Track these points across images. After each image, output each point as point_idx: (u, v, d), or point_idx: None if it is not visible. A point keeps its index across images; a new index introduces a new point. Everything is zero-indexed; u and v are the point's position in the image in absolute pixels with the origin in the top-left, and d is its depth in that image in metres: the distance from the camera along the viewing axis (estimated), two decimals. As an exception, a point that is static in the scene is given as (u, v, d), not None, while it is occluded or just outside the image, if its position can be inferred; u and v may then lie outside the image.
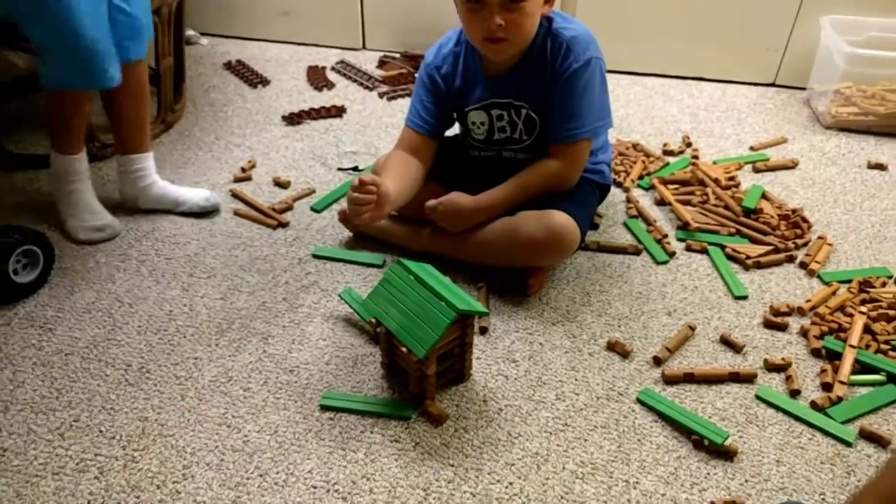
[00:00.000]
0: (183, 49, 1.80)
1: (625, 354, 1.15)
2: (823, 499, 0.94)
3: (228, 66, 2.12)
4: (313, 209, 1.49)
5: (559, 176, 1.26)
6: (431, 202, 1.26)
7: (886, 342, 1.16)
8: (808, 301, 1.24)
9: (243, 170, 1.61)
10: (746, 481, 0.96)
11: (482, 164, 1.35)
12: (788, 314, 1.23)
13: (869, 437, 1.02)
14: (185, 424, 1.02)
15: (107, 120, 1.50)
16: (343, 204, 1.48)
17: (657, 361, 1.13)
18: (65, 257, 1.33)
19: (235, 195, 1.53)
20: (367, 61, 2.17)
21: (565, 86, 1.20)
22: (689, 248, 1.39)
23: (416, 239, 1.34)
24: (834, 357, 1.14)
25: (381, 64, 2.16)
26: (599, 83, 1.24)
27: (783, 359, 1.13)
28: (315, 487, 0.94)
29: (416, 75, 1.35)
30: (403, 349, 1.01)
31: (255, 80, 2.03)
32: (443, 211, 1.25)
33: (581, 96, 1.21)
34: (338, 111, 1.87)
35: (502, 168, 1.29)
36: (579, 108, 1.21)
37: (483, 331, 1.19)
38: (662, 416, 1.04)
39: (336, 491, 0.94)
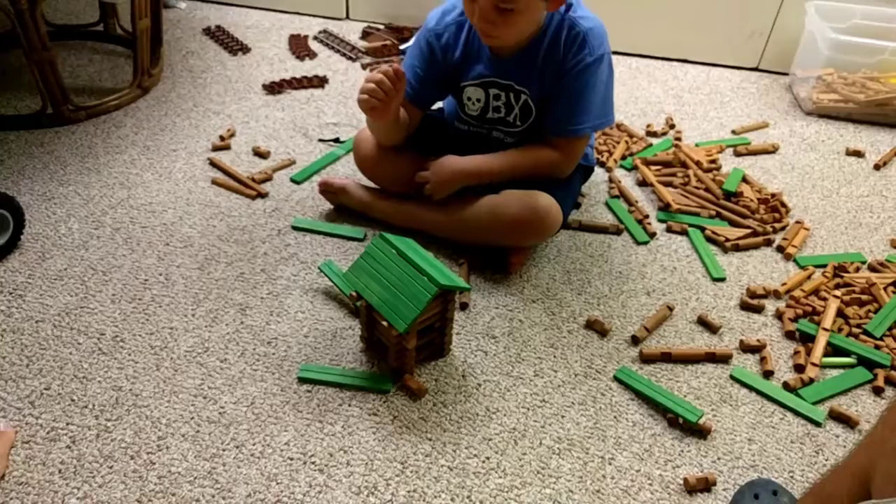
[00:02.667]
0: (160, 11, 1.75)
1: (603, 333, 1.15)
2: (792, 476, 0.96)
3: (208, 31, 2.07)
4: (293, 180, 1.47)
5: (554, 166, 1.26)
6: (424, 173, 1.26)
7: (858, 326, 1.18)
8: (783, 284, 1.26)
9: (222, 138, 1.57)
10: (719, 459, 0.98)
11: (468, 141, 1.33)
12: (765, 297, 1.25)
13: (838, 417, 1.04)
14: (160, 395, 1.01)
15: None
16: (324, 175, 1.46)
17: (635, 340, 1.14)
18: (36, 223, 1.30)
19: (214, 164, 1.50)
20: (351, 31, 2.13)
21: (575, 79, 1.17)
22: (669, 230, 1.40)
23: (398, 214, 1.33)
24: (807, 339, 1.16)
25: (365, 35, 2.12)
26: (608, 79, 1.22)
27: (758, 340, 1.15)
28: (292, 459, 0.94)
29: (415, 36, 1.30)
30: (384, 323, 1.00)
31: (235, 46, 1.98)
32: (432, 169, 1.25)
33: (590, 92, 1.19)
34: (320, 81, 1.84)
35: (488, 148, 1.28)
36: (586, 104, 1.19)
37: (463, 306, 1.18)
38: (639, 394, 1.05)
39: (313, 463, 0.93)
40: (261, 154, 1.54)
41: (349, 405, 1.01)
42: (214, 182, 1.45)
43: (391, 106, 1.13)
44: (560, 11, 1.17)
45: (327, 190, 1.37)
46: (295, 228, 1.34)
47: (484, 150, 1.27)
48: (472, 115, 1.30)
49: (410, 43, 2.05)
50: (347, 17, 2.22)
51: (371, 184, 1.39)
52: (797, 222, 1.42)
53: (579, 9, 1.19)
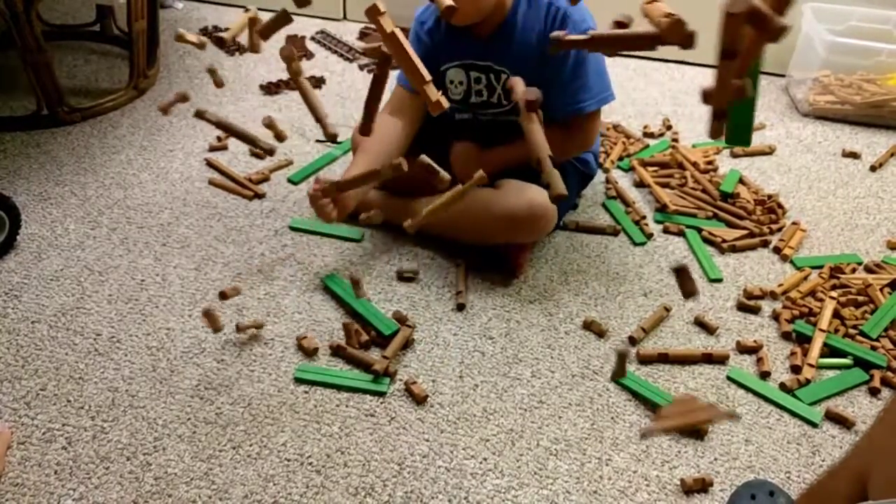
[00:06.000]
0: (157, 12, 1.74)
1: (600, 334, 1.15)
2: (789, 477, 0.96)
3: (205, 32, 2.06)
4: (290, 181, 1.47)
5: (575, 146, 1.27)
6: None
7: (854, 327, 1.18)
8: (780, 285, 1.26)
9: (219, 139, 1.57)
10: (716, 459, 0.98)
11: (467, 132, 1.34)
12: (761, 298, 1.25)
13: (834, 418, 1.04)
14: (156, 396, 1.01)
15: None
16: (320, 176, 1.45)
17: (632, 341, 1.14)
18: (32, 223, 1.29)
19: (211, 164, 1.49)
20: (348, 32, 2.13)
21: (564, 60, 1.18)
22: (666, 231, 1.40)
23: (394, 212, 1.33)
24: (804, 340, 1.16)
25: (362, 36, 2.12)
26: (598, 55, 1.22)
27: (755, 341, 1.15)
28: (289, 461, 0.94)
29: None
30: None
31: (232, 47, 1.98)
32: (457, 152, 1.27)
33: (584, 69, 1.19)
34: (317, 82, 1.84)
35: (482, 133, 1.29)
36: (584, 82, 1.20)
37: (460, 307, 1.18)
38: (636, 395, 1.05)
39: (310, 464, 0.93)
40: (258, 154, 1.54)
41: (346, 406, 1.01)
42: (211, 182, 1.44)
43: (346, 204, 1.17)
44: None
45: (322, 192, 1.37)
46: (292, 229, 1.34)
47: (479, 136, 1.29)
48: (455, 98, 1.29)
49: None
50: (345, 17, 2.22)
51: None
52: (794, 223, 1.43)
53: None
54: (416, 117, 1.28)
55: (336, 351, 1.08)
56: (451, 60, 1.26)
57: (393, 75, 1.29)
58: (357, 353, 1.07)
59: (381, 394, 1.03)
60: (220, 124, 1.04)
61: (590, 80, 1.21)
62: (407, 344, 1.10)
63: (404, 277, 1.24)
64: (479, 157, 1.26)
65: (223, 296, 1.10)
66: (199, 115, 1.01)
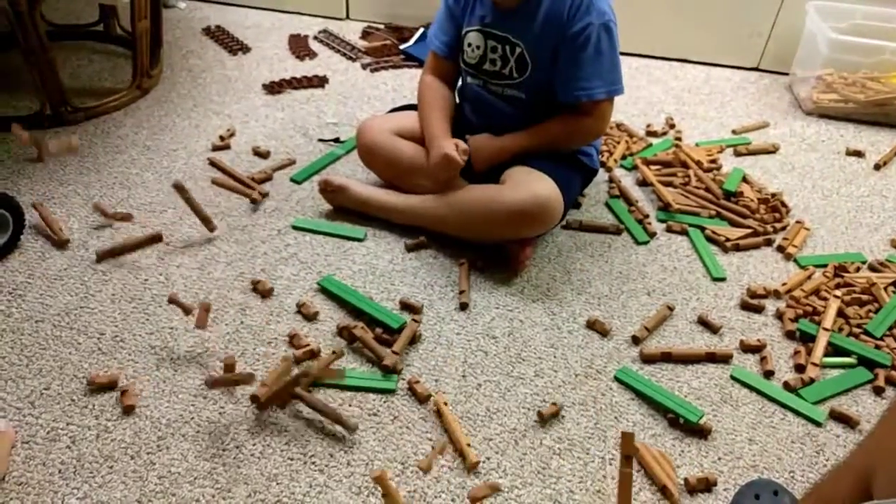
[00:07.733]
0: (160, 12, 1.75)
1: (604, 333, 1.15)
2: (793, 476, 0.96)
3: (207, 31, 2.07)
4: (293, 180, 1.47)
5: (588, 132, 1.29)
6: (465, 147, 1.30)
7: (858, 326, 1.18)
8: (784, 284, 1.26)
9: (222, 138, 1.57)
10: (719, 459, 0.97)
11: (476, 109, 1.35)
12: (765, 297, 1.24)
13: (839, 417, 1.04)
14: (159, 395, 1.01)
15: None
16: (324, 175, 1.45)
17: (635, 340, 1.14)
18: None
19: (214, 164, 1.50)
20: (351, 31, 2.13)
21: (583, 44, 1.19)
22: (669, 229, 1.40)
23: (397, 211, 1.33)
24: (808, 339, 1.16)
25: (365, 35, 2.12)
26: (615, 47, 1.23)
27: (758, 340, 1.15)
28: (292, 459, 0.94)
29: None
30: None
31: (235, 46, 1.98)
32: (475, 145, 1.30)
33: (599, 56, 1.20)
34: (320, 81, 1.84)
35: (490, 109, 1.31)
36: (597, 68, 1.21)
37: (463, 307, 1.18)
38: (639, 395, 1.05)
39: (313, 463, 0.93)
40: (260, 154, 1.54)
41: (350, 405, 1.01)
42: (214, 182, 1.44)
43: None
44: None
45: (326, 189, 1.37)
46: (295, 228, 1.34)
47: (487, 114, 1.31)
48: (469, 62, 1.32)
49: (414, 38, 2.06)
50: (347, 17, 2.22)
51: (369, 184, 1.39)
52: (797, 222, 1.42)
53: None
54: (454, 77, 1.39)
55: (351, 338, 1.09)
56: (472, 24, 1.28)
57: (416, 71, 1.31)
58: (373, 342, 1.07)
59: (389, 391, 1.03)
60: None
61: (603, 70, 1.22)
62: (414, 339, 1.10)
63: (413, 248, 1.28)
64: (496, 148, 1.29)
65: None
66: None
